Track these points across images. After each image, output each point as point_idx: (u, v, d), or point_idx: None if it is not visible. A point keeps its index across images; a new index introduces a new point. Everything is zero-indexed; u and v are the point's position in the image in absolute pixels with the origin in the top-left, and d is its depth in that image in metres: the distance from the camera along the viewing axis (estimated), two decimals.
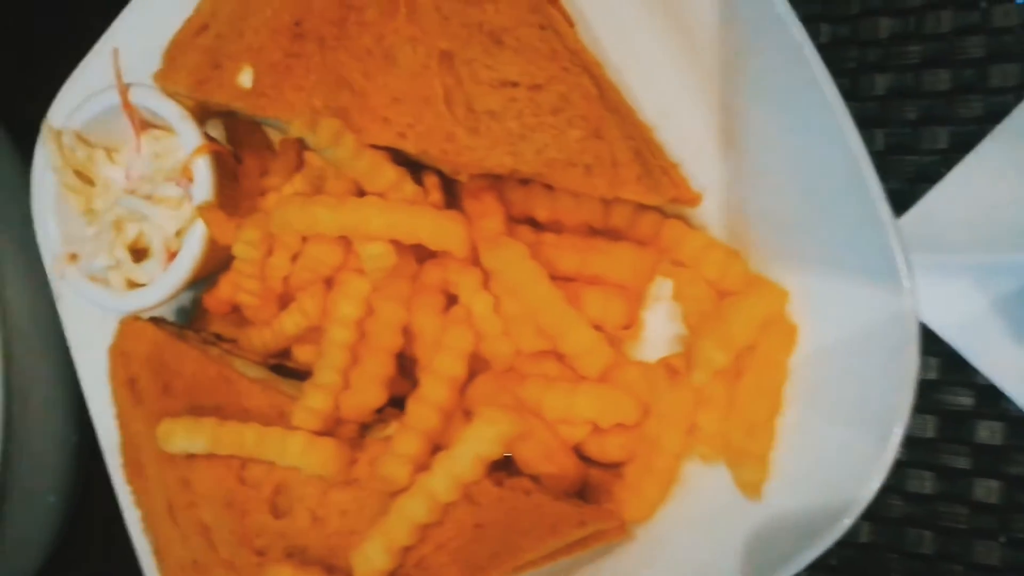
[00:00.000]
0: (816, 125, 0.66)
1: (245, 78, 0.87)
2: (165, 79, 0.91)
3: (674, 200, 0.72)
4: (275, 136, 1.04)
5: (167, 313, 1.03)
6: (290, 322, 0.89)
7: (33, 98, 1.26)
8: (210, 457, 0.82)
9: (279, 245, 0.90)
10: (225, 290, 0.96)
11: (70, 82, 1.08)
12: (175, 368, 0.89)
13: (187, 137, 0.94)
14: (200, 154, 0.93)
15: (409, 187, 0.82)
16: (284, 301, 0.93)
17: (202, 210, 0.92)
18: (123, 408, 0.92)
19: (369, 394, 0.79)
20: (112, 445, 1.04)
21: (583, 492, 0.79)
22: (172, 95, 0.95)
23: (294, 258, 0.91)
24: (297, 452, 0.76)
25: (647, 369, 0.77)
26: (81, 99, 1.05)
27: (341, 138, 0.77)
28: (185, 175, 0.94)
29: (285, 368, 0.94)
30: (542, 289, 0.75)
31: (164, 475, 0.86)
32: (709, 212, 0.77)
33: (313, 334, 0.91)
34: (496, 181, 0.80)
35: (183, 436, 0.80)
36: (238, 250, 0.90)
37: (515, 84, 0.74)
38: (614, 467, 0.79)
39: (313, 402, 0.78)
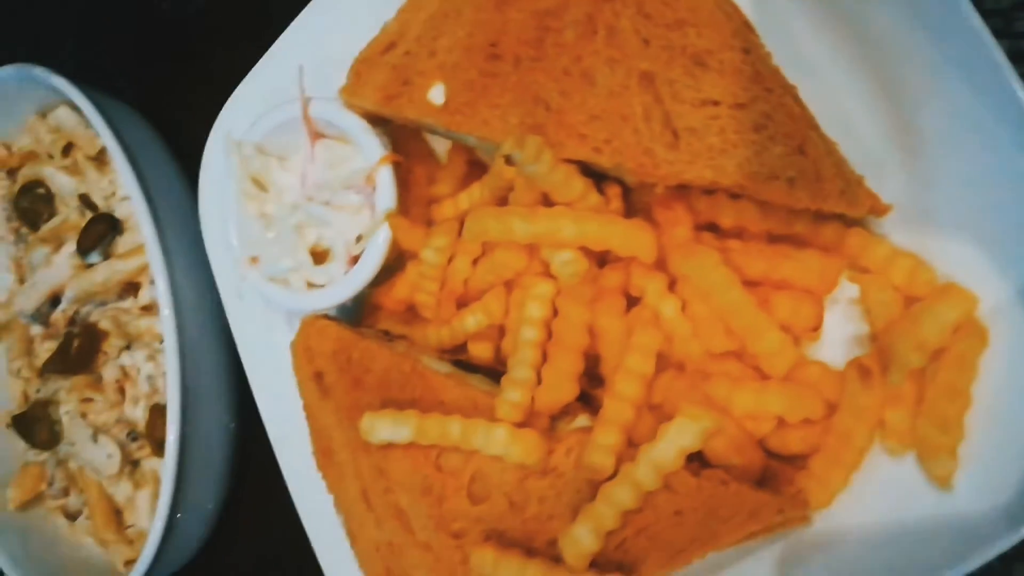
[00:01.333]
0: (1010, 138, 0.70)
1: (436, 95, 0.92)
2: (352, 94, 0.96)
3: (869, 212, 0.76)
4: (436, 146, 1.09)
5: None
6: (472, 321, 0.94)
7: (187, 107, 1.33)
8: (407, 447, 0.87)
9: (462, 250, 0.95)
10: (403, 290, 1.01)
11: (238, 94, 1.14)
12: (364, 364, 0.94)
13: (370, 148, 0.99)
14: (384, 164, 0.98)
15: (594, 197, 0.87)
16: (461, 302, 0.98)
17: (390, 217, 0.97)
18: (311, 400, 0.97)
19: (562, 389, 0.84)
20: (280, 432, 1.10)
21: (762, 482, 0.84)
22: (354, 108, 1.00)
23: (474, 262, 0.96)
24: (502, 442, 0.81)
25: (827, 368, 0.82)
26: (247, 110, 1.11)
27: (542, 154, 0.82)
28: (368, 183, 0.99)
29: (461, 363, 0.99)
30: (734, 294, 0.79)
31: (358, 463, 0.91)
32: (889, 221, 0.81)
33: (490, 332, 0.96)
34: (682, 191, 0.84)
35: (388, 427, 0.85)
36: (426, 255, 0.95)
37: (717, 103, 0.78)
38: (792, 459, 0.84)
39: (513, 396, 0.83)
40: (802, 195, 0.75)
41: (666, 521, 0.77)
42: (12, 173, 1.38)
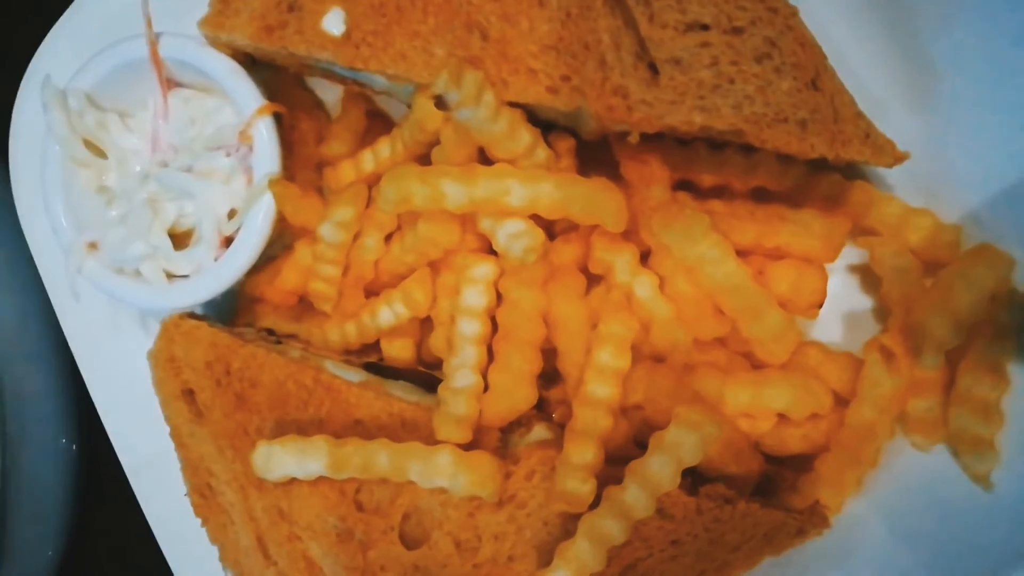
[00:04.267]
0: None
1: (334, 23, 0.69)
2: (218, 26, 0.72)
3: (895, 161, 0.61)
4: (323, 95, 0.86)
5: None
6: (388, 313, 0.73)
7: None
8: (316, 481, 0.66)
9: (371, 224, 0.74)
10: (291, 278, 0.78)
11: (57, 31, 0.86)
12: (249, 375, 0.71)
13: (242, 97, 0.76)
14: (262, 116, 0.75)
15: (542, 152, 0.68)
16: (370, 290, 0.76)
17: (273, 184, 0.74)
18: (180, 425, 0.73)
19: (517, 396, 0.65)
20: (136, 463, 0.86)
21: (757, 491, 0.68)
22: (218, 46, 0.76)
23: (387, 239, 0.75)
24: (447, 471, 0.61)
25: (829, 351, 0.67)
26: (71, 50, 0.84)
27: (483, 93, 0.62)
28: (242, 142, 0.76)
29: (372, 367, 0.77)
30: (728, 266, 0.62)
31: (250, 504, 0.69)
32: (891, 173, 0.67)
33: (411, 326, 0.75)
34: (654, 142, 0.66)
35: (290, 459, 0.63)
36: (324, 231, 0.73)
37: (707, 27, 0.61)
38: (787, 460, 0.69)
39: (456, 409, 0.63)
40: (817, 140, 0.59)
41: (663, 554, 0.60)
42: None
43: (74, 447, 0.96)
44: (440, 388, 0.66)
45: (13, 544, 0.88)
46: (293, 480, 0.66)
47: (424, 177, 0.65)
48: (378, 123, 0.82)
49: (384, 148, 0.74)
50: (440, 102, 0.62)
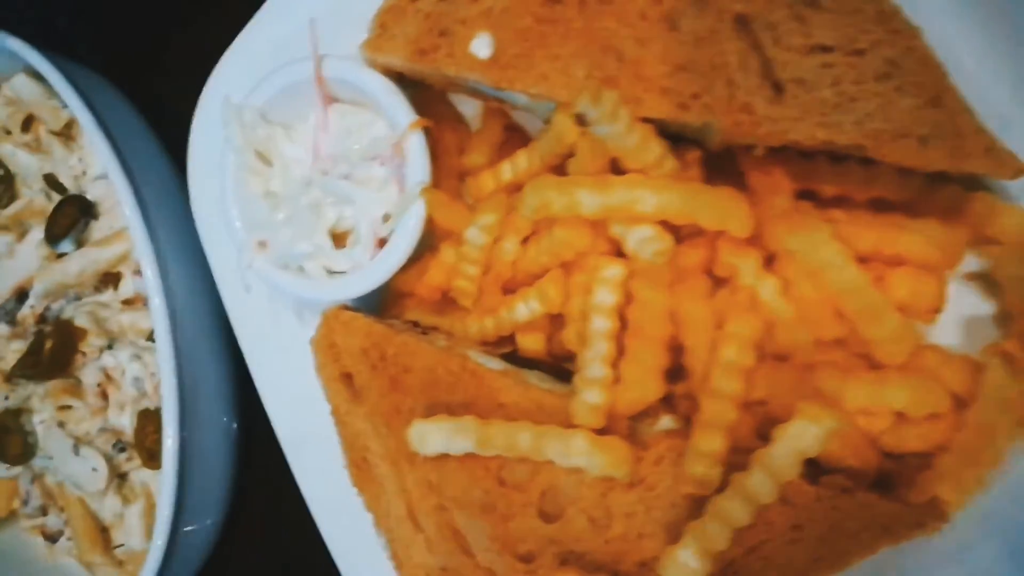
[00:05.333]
0: None
1: (481, 46, 0.77)
2: (377, 49, 0.81)
3: (1016, 174, 0.64)
4: (463, 109, 0.93)
5: None
6: (524, 309, 0.79)
7: (163, 73, 1.14)
8: (463, 458, 0.73)
9: (510, 229, 0.81)
10: (437, 275, 0.86)
11: (232, 53, 0.96)
12: (402, 362, 0.79)
13: (396, 112, 0.84)
14: (414, 130, 0.83)
15: (670, 163, 0.73)
16: (507, 288, 0.83)
17: (424, 192, 0.82)
18: (339, 405, 0.82)
19: (647, 387, 0.70)
20: (292, 438, 0.95)
21: (876, 485, 0.72)
22: (375, 66, 0.85)
23: (523, 242, 0.82)
24: (583, 452, 0.67)
25: (948, 354, 0.70)
26: (243, 71, 0.94)
27: (618, 111, 0.68)
28: (394, 153, 0.84)
29: (504, 358, 0.84)
30: (849, 272, 0.66)
31: (403, 477, 0.77)
32: (1015, 185, 0.69)
33: (543, 321, 0.82)
34: (777, 154, 0.71)
35: (443, 437, 0.71)
36: (471, 235, 0.80)
37: (830, 49, 0.65)
38: (904, 458, 0.72)
39: (592, 397, 0.69)
40: (937, 155, 0.62)
41: (783, 538, 0.64)
42: None
43: (234, 425, 1.07)
44: (575, 378, 0.72)
45: (184, 511, 0.99)
46: (443, 455, 0.73)
47: (562, 187, 0.71)
48: (514, 136, 0.89)
49: (522, 160, 0.81)
50: (579, 118, 0.68)
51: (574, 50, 0.72)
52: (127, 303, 1.09)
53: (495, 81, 0.75)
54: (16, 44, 1.02)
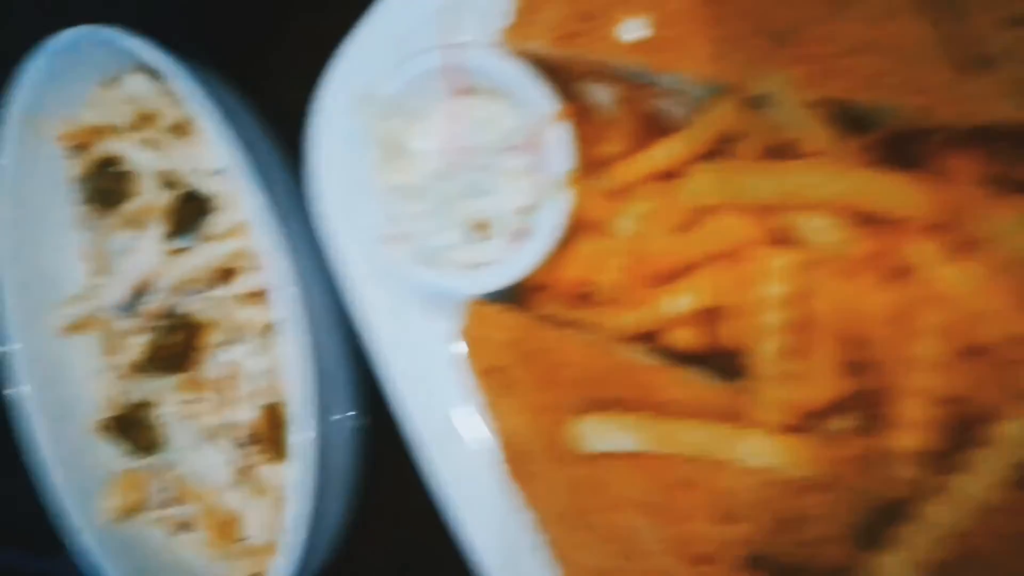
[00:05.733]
0: None
1: (631, 30, 0.73)
2: (519, 35, 0.78)
3: None
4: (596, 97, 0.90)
5: None
6: (680, 301, 0.76)
7: (277, 65, 1.13)
8: (630, 456, 0.70)
9: (663, 218, 0.78)
10: (578, 268, 0.83)
11: (354, 45, 0.94)
12: (554, 356, 0.76)
13: (537, 101, 0.81)
14: (559, 119, 0.80)
15: (848, 147, 0.69)
16: (656, 281, 0.80)
17: (569, 181, 0.79)
18: (492, 399, 0.80)
19: (828, 384, 0.67)
20: (423, 431, 0.93)
21: None
22: (514, 54, 0.82)
23: (676, 232, 0.78)
24: (765, 451, 0.64)
25: None
26: (364, 64, 0.92)
27: (794, 94, 0.64)
28: (535, 142, 0.81)
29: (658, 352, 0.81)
30: None
31: (563, 474, 0.75)
32: None
33: (695, 314, 0.78)
34: (966, 137, 0.66)
35: (611, 435, 0.68)
36: (622, 224, 0.77)
37: None
38: None
39: (776, 393, 0.66)
40: None
41: (993, 547, 0.61)
42: (79, 150, 1.19)
43: (360, 420, 1.06)
44: (751, 374, 0.69)
45: (316, 503, 0.98)
46: (611, 455, 0.71)
47: (732, 173, 0.68)
48: (653, 125, 0.85)
49: (675, 145, 0.77)
50: (744, 101, 0.65)
51: (735, 30, 0.68)
52: (243, 298, 1.08)
53: (647, 65, 0.71)
54: (133, 43, 1.01)
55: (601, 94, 0.89)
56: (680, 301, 0.75)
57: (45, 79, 1.11)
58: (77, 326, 1.18)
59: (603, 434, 0.69)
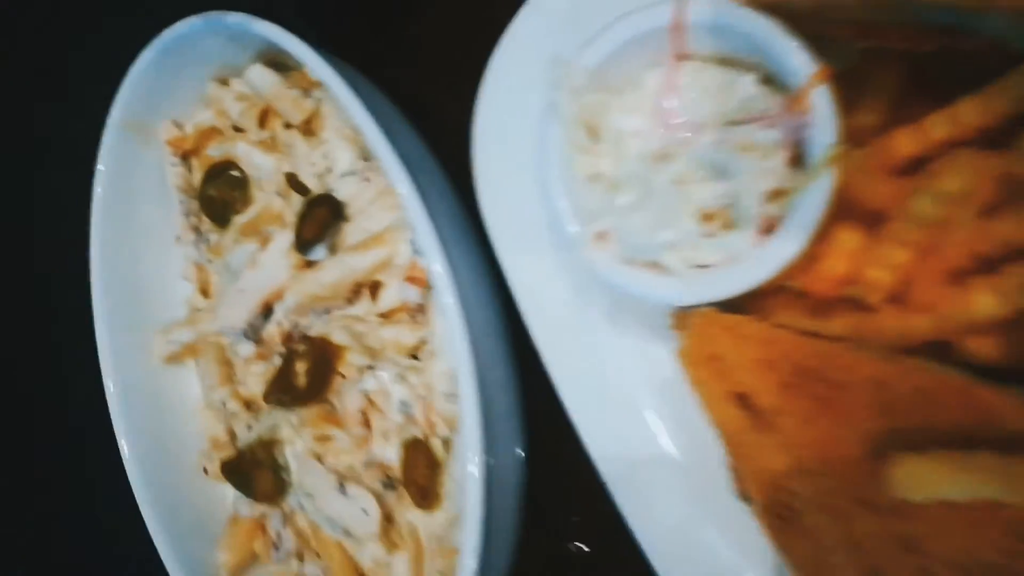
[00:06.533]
0: None
1: None
2: None
3: None
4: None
5: None
6: (985, 303, 0.60)
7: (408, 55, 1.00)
8: (965, 506, 0.53)
9: (965, 198, 0.61)
10: (838, 265, 0.67)
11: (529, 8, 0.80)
12: (833, 377, 0.60)
13: (791, 60, 0.66)
14: (817, 82, 0.64)
15: None
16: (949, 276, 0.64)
17: (838, 157, 0.63)
18: (736, 433, 0.64)
19: None
20: (614, 468, 0.77)
21: None
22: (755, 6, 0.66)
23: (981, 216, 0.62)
24: None
25: None
26: (540, 33, 0.78)
27: None
28: (793, 111, 0.65)
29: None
30: None
31: (855, 528, 0.58)
32: None
33: (1004, 319, 0.62)
34: None
35: (947, 479, 0.51)
36: (919, 207, 0.61)
37: None
38: None
39: None
40: None
41: None
42: (187, 158, 1.06)
43: (522, 454, 0.90)
44: None
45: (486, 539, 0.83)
46: (927, 503, 0.54)
47: None
48: (918, 89, 0.70)
49: (975, 108, 0.61)
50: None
51: None
52: (386, 316, 0.93)
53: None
54: (266, 27, 0.88)
55: (849, 53, 0.73)
56: (982, 302, 0.59)
57: (153, 78, 0.98)
58: (183, 354, 1.04)
59: (935, 477, 0.52)
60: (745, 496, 0.67)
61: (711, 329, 0.65)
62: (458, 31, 0.94)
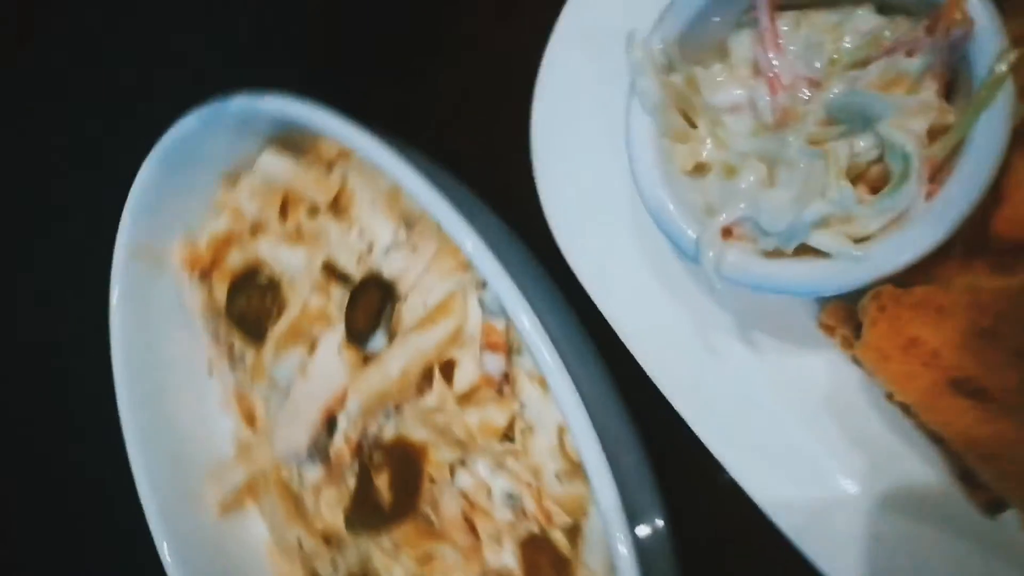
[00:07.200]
0: None
1: None
2: None
3: None
4: None
5: None
6: None
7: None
8: None
9: None
10: None
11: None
12: None
13: None
14: None
15: None
16: None
17: (1011, 70, 0.51)
18: (968, 428, 0.49)
19: None
20: (792, 520, 0.62)
21: None
22: None
23: None
24: None
25: None
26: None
27: None
28: (948, 23, 0.53)
29: None
30: None
31: None
32: None
33: None
34: None
35: None
36: None
37: None
38: None
39: None
40: None
41: None
42: (206, 276, 0.93)
43: (665, 526, 0.75)
44: None
45: None
46: None
47: None
48: None
49: None
50: None
51: None
52: (467, 397, 0.79)
53: None
54: (275, 102, 0.77)
55: None
56: None
57: (154, 196, 0.87)
58: (240, 498, 0.89)
59: None
60: (993, 507, 0.51)
61: (896, 308, 0.51)
62: (484, 71, 0.84)
